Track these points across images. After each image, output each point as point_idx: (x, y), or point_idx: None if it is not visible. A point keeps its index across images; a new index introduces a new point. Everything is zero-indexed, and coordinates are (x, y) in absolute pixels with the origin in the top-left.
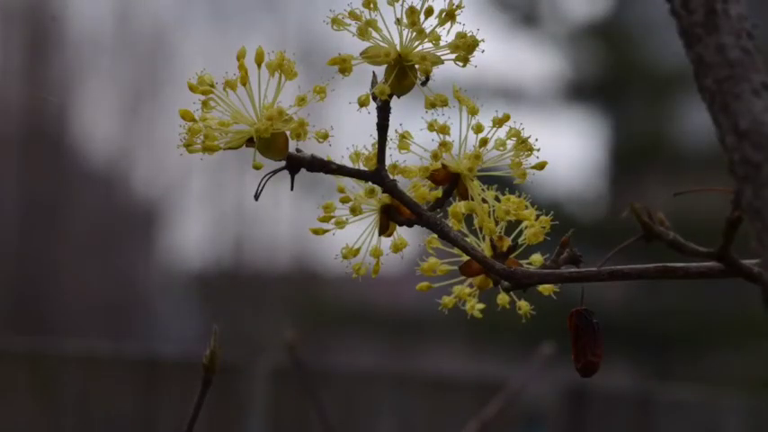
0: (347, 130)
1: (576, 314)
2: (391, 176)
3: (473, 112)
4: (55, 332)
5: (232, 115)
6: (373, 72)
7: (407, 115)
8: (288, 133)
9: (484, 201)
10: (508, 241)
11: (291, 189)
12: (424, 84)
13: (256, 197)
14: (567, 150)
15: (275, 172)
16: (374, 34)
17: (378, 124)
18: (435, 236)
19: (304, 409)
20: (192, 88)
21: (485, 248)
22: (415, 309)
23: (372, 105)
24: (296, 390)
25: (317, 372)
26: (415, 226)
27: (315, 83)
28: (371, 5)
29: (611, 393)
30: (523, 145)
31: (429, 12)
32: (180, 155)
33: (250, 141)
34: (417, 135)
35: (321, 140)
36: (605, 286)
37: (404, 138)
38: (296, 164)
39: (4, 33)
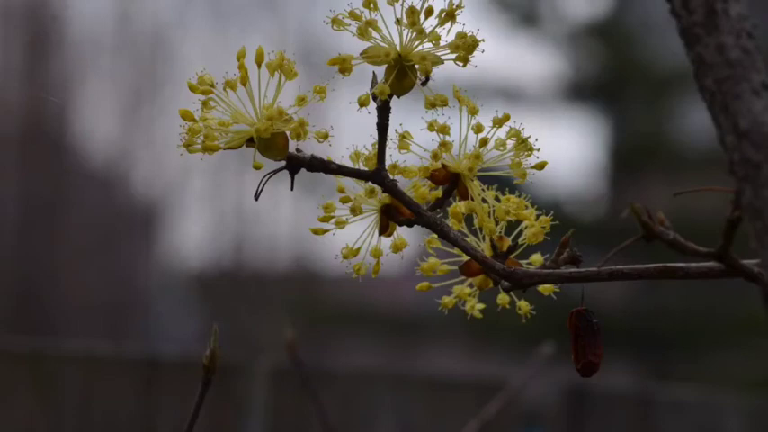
0: (347, 130)
1: (576, 314)
2: (391, 176)
3: (473, 112)
4: (55, 332)
5: (232, 115)
6: (373, 72)
7: (407, 115)
8: (288, 133)
9: (484, 201)
10: (508, 241)
11: (291, 189)
12: (424, 84)
13: (256, 197)
14: (567, 150)
15: (275, 172)
16: (374, 34)
17: (378, 124)
18: (435, 236)
19: (304, 409)
20: (192, 88)
21: (485, 248)
22: (415, 309)
23: (372, 105)
24: (296, 390)
25: (316, 372)
26: (415, 226)
27: (315, 83)
28: (371, 5)
29: (611, 393)
30: (523, 145)
31: (429, 12)
32: (180, 155)
33: (250, 141)
34: (417, 135)
35: (321, 140)
36: (605, 286)
37: (404, 138)
38: (296, 164)
39: (4, 33)
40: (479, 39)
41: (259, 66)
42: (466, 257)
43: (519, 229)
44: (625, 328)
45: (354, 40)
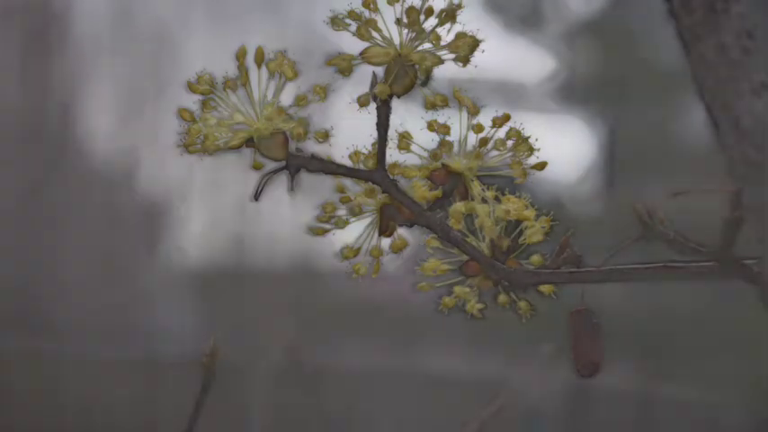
0: (347, 131)
1: (576, 314)
2: (391, 176)
3: (473, 111)
4: (55, 332)
5: (232, 115)
6: (373, 72)
7: (407, 115)
8: (288, 133)
9: (484, 201)
10: (508, 241)
11: (291, 189)
12: (424, 84)
13: (256, 197)
14: (567, 150)
15: (275, 172)
16: (374, 34)
17: (378, 124)
18: (435, 236)
19: (304, 409)
20: (191, 88)
21: (485, 248)
22: (415, 309)
23: (372, 105)
24: (296, 390)
25: (316, 372)
26: (415, 226)
27: (315, 83)
28: (371, 5)
29: (611, 393)
30: (524, 145)
31: (429, 12)
32: (180, 155)
33: (250, 141)
34: (417, 135)
35: (321, 140)
36: (605, 286)
37: (404, 138)
38: (296, 164)
39: (4, 33)
40: (480, 39)
41: (259, 66)
42: (466, 257)
43: (519, 229)
44: (625, 328)
45: (354, 40)
